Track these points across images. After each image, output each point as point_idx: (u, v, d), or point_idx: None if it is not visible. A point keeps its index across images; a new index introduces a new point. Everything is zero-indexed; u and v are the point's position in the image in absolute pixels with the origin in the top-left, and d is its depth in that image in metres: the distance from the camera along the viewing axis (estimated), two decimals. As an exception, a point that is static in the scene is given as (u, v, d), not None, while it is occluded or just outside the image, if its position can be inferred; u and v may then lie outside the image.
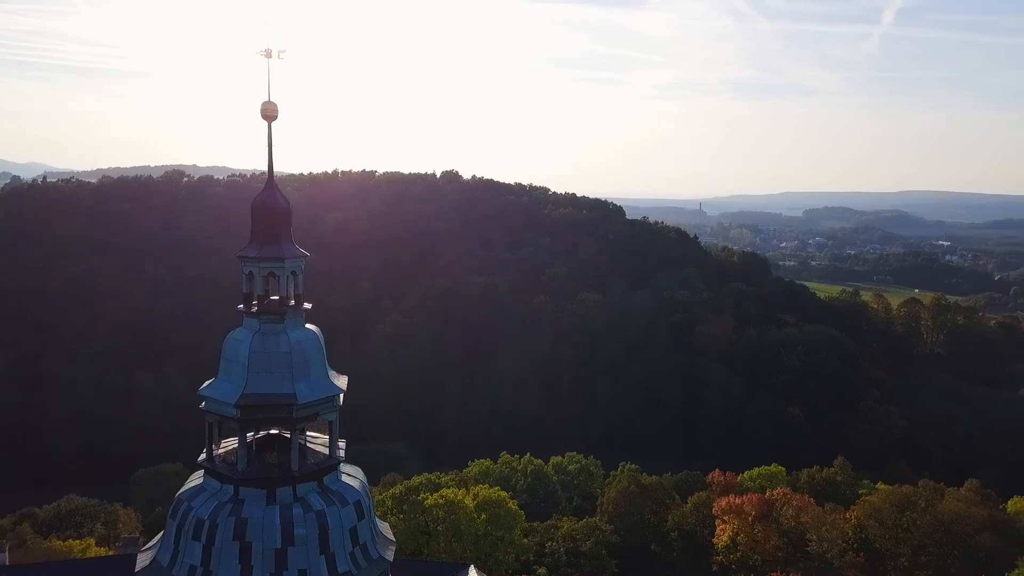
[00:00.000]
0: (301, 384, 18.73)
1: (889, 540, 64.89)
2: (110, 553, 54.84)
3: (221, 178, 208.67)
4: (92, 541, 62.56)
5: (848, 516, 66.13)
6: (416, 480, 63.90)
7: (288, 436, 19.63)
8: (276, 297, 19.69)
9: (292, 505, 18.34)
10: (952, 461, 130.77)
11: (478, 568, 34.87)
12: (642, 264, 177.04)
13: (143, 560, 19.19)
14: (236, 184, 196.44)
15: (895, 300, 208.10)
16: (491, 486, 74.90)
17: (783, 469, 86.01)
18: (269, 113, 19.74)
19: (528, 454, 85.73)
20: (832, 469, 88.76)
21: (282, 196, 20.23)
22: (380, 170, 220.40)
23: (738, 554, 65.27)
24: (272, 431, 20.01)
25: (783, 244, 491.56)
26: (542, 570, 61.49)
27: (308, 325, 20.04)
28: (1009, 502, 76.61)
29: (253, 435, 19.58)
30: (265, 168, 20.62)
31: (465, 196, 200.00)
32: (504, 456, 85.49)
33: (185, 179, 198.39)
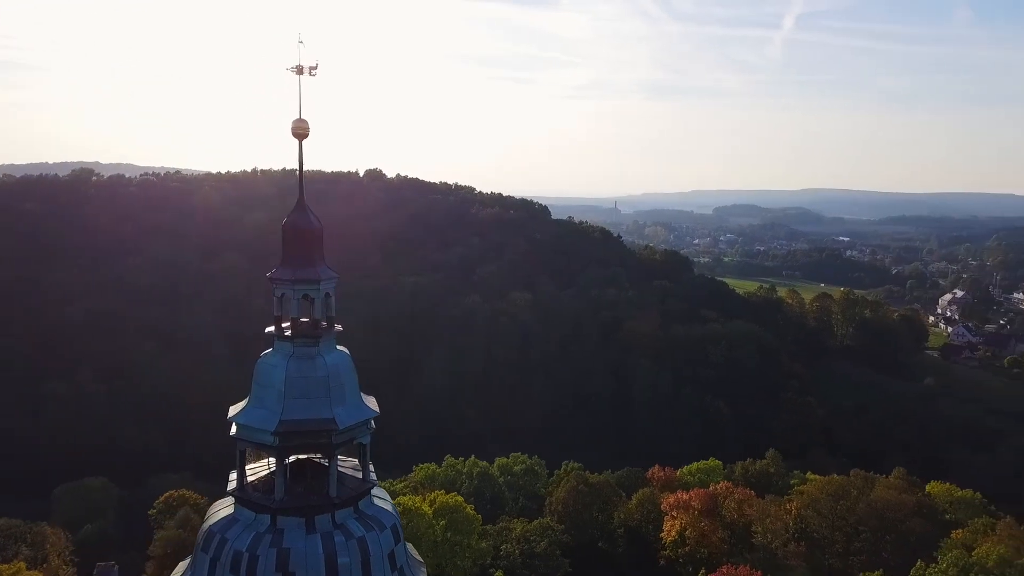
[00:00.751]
0: (339, 408, 18.26)
1: (826, 528, 68.25)
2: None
3: (133, 177, 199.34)
4: (22, 565, 58.94)
5: (788, 507, 69.14)
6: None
7: (317, 461, 19.18)
8: (306, 319, 19.12)
9: (333, 533, 17.87)
10: (865, 448, 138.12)
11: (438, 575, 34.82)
12: (569, 263, 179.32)
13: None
14: (150, 183, 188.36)
15: (807, 295, 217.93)
16: (436, 490, 74.82)
17: (720, 463, 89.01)
18: (300, 132, 19.18)
19: (473, 456, 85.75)
20: (765, 461, 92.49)
21: (315, 216, 19.71)
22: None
23: (686, 548, 67.23)
24: (300, 456, 19.45)
25: (696, 241, 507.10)
26: (499, 573, 61.74)
27: (339, 347, 19.58)
28: (927, 486, 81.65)
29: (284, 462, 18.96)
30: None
31: (390, 195, 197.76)
32: (448, 459, 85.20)
33: (95, 178, 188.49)
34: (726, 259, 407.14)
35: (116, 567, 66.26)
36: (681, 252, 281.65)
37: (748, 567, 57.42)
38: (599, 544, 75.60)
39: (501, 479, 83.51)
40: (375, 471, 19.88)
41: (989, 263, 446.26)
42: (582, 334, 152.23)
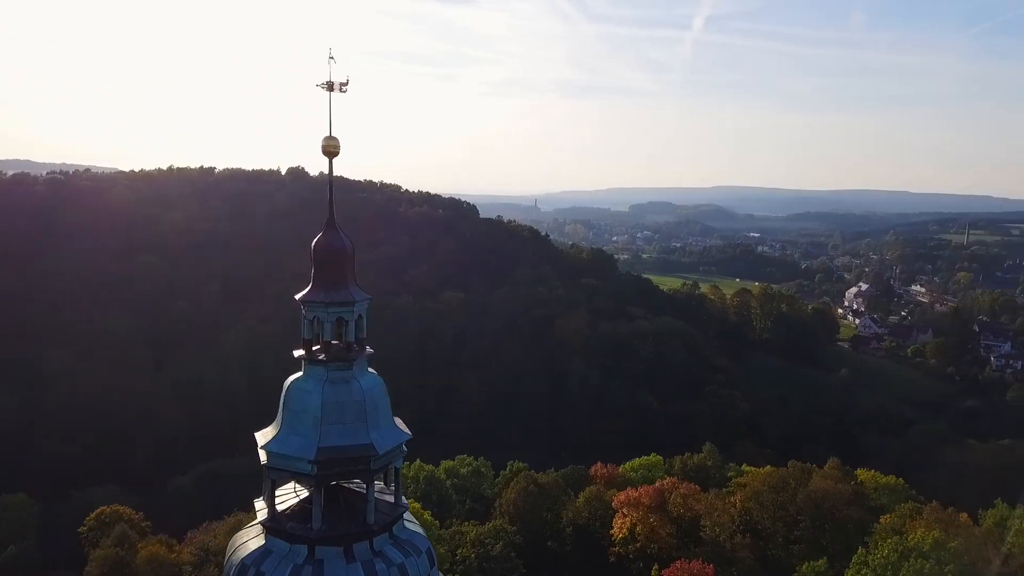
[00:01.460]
0: (375, 433, 17.77)
1: (768, 519, 70.77)
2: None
3: (39, 175, 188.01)
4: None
5: (733, 500, 71.37)
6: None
7: (348, 486, 18.66)
8: (336, 341, 18.53)
9: (374, 561, 17.39)
10: (788, 438, 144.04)
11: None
12: (499, 262, 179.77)
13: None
14: (58, 182, 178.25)
15: (727, 290, 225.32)
16: None
17: (660, 459, 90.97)
18: (331, 150, 18.60)
19: (418, 460, 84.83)
20: (702, 455, 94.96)
21: (347, 237, 19.11)
22: (219, 167, 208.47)
23: (637, 545, 68.47)
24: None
25: (615, 238, 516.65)
26: (455, 579, 61.41)
27: (370, 369, 19.08)
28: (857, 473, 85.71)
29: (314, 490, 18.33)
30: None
31: (315, 194, 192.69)
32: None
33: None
34: (645, 256, 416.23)
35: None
36: (594, 248, 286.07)
37: (700, 561, 58.92)
38: (548, 544, 76.07)
39: (448, 482, 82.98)
40: None
41: (888, 257, 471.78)
42: (515, 333, 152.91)
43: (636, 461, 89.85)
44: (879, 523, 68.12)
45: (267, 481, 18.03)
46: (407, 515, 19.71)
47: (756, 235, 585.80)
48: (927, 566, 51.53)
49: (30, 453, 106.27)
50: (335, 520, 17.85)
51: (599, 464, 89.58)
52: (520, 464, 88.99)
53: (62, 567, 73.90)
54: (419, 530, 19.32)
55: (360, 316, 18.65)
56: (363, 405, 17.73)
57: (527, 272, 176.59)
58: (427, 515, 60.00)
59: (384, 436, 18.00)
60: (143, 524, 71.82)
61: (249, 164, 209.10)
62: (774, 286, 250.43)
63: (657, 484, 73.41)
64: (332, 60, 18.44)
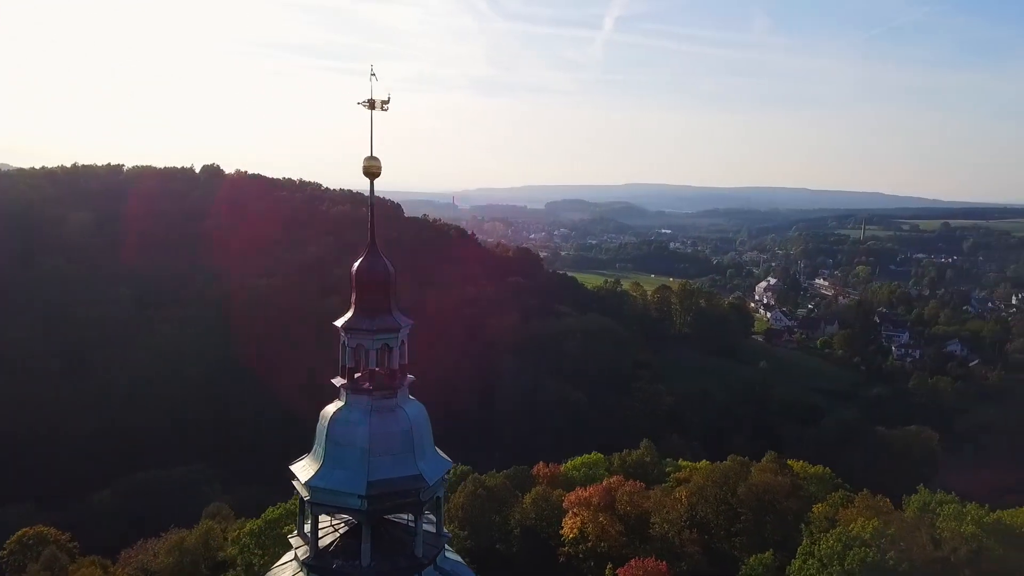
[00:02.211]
0: (422, 463, 17.20)
1: (712, 513, 72.75)
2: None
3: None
4: None
5: (679, 496, 72.99)
6: (275, 512, 59.49)
7: (388, 518, 17.99)
8: (374, 368, 17.80)
9: (424, 595, 16.88)
10: (711, 429, 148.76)
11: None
12: (427, 261, 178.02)
13: None
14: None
15: (647, 287, 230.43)
16: None
17: (602, 456, 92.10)
18: (372, 171, 17.85)
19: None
20: (640, 451, 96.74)
21: (388, 261, 18.39)
22: (128, 164, 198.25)
23: (588, 544, 69.12)
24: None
25: (532, 236, 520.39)
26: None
27: (410, 396, 18.44)
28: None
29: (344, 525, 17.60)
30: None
31: (232, 192, 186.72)
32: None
33: None
34: (563, 253, 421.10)
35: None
36: (520, 247, 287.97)
37: (654, 558, 60.01)
38: (497, 546, 75.94)
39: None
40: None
41: (792, 252, 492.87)
42: (447, 333, 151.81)
43: (578, 460, 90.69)
44: (813, 512, 71.09)
45: (309, 517, 17.17)
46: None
47: (668, 231, 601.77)
48: (870, 554, 53.95)
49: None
50: (381, 555, 17.18)
51: (541, 464, 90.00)
52: (464, 467, 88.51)
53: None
54: (458, 558, 18.88)
55: (403, 342, 17.96)
56: (410, 435, 17.14)
57: (456, 271, 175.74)
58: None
59: (431, 465, 17.45)
60: (71, 545, 67.73)
61: (159, 162, 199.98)
62: (695, 283, 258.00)
63: (604, 483, 74.23)
64: (374, 77, 17.74)
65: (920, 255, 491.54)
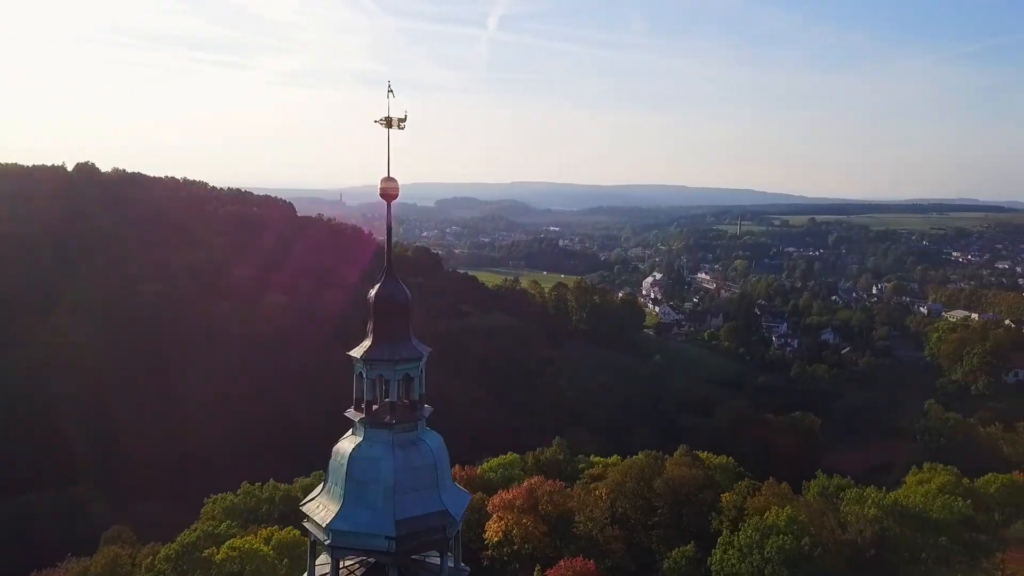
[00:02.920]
0: (446, 497, 16.55)
1: (631, 509, 74.46)
2: None
3: None
4: None
5: (600, 494, 74.22)
6: (192, 535, 56.17)
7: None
8: (395, 400, 16.96)
9: (450, 634, 16.26)
10: (613, 423, 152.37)
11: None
12: (324, 262, 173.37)
13: None
14: None
15: (543, 284, 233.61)
16: (232, 520, 69.54)
17: (517, 456, 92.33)
18: (390, 192, 16.94)
19: (271, 480, 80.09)
20: (553, 449, 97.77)
21: (405, 286, 17.51)
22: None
23: (513, 547, 69.19)
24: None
25: (424, 233, 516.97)
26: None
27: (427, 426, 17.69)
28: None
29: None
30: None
31: (111, 192, 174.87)
32: (245, 486, 78.59)
33: None
34: (457, 251, 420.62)
35: None
36: (420, 247, 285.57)
37: (582, 557, 60.78)
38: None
39: (307, 501, 78.94)
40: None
41: (675, 247, 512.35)
42: (347, 336, 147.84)
43: (494, 461, 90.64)
44: (722, 502, 74.12)
45: (326, 561, 16.17)
46: (457, 575, 18.62)
47: (556, 229, 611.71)
48: (787, 542, 56.69)
49: None
50: (406, 595, 16.46)
51: (457, 467, 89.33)
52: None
53: None
54: (473, 592, 18.30)
55: (422, 371, 17.20)
56: (434, 469, 16.45)
57: (355, 272, 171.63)
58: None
59: (454, 499, 16.82)
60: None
61: (27, 159, 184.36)
62: (585, 279, 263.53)
63: (526, 484, 74.48)
64: (391, 94, 16.82)
65: (791, 249, 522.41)
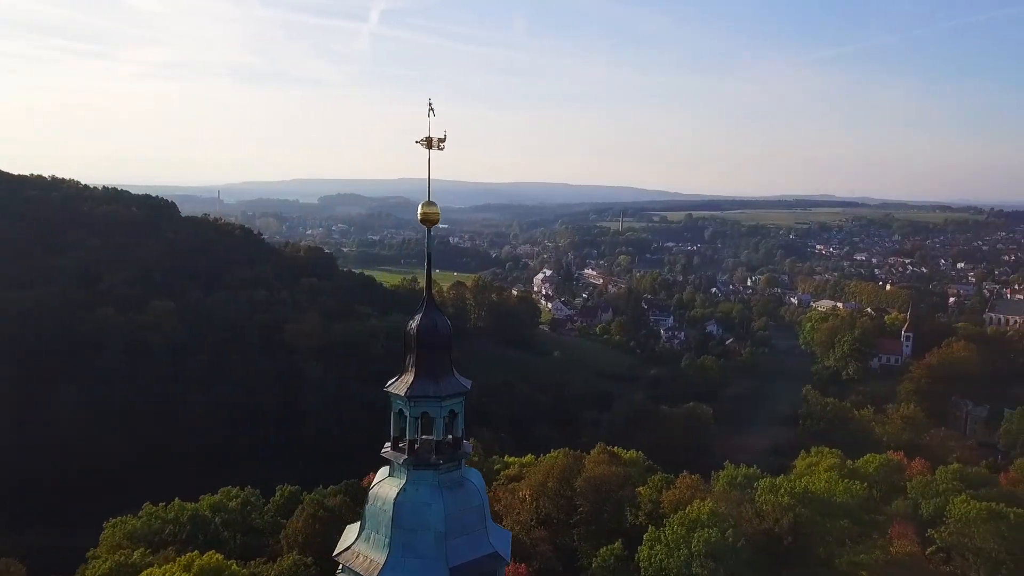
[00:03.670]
0: (493, 537, 15.89)
1: (553, 508, 75.12)
2: None
3: None
4: None
5: (524, 495, 74.37)
6: (101, 566, 52.03)
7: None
8: (437, 438, 16.10)
9: None
10: (516, 420, 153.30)
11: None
12: (212, 265, 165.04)
13: None
14: None
15: (441, 282, 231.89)
16: (137, 546, 65.76)
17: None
18: (432, 219, 15.97)
19: (176, 499, 75.51)
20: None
21: (446, 317, 16.59)
22: None
23: (440, 554, 68.38)
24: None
25: (310, 232, 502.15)
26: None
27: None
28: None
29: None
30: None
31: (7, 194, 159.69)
32: (148, 507, 73.69)
33: None
34: (346, 250, 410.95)
35: None
36: (312, 246, 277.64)
37: (513, 561, 60.74)
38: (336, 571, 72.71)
39: (216, 519, 74.96)
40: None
41: (562, 244, 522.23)
42: (241, 342, 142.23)
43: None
44: (641, 496, 76.05)
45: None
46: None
47: (445, 226, 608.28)
48: (713, 535, 58.71)
49: None
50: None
51: (371, 475, 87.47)
52: (291, 487, 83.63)
53: None
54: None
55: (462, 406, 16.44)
56: (482, 509, 15.74)
57: (244, 274, 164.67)
58: (234, 565, 53.90)
59: (499, 538, 16.25)
60: None
61: None
62: (483, 276, 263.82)
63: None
64: (432, 113, 15.87)
65: (670, 244, 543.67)
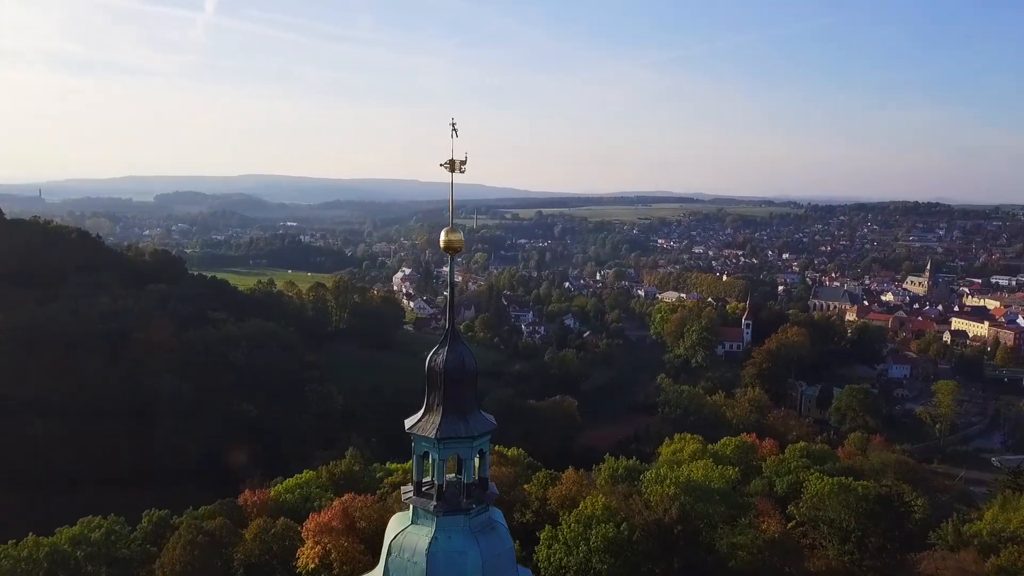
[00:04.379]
0: (518, 579, 15.51)
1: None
2: None
3: None
4: None
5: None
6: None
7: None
8: (466, 480, 15.40)
9: None
10: (389, 424, 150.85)
11: None
12: (43, 272, 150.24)
13: None
14: None
15: (300, 284, 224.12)
16: None
17: (313, 474, 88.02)
18: (455, 246, 15.22)
19: (31, 534, 68.38)
20: (347, 460, 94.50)
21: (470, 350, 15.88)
22: None
23: (333, 572, 65.99)
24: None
25: (147, 232, 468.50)
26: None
27: (482, 503, 16.32)
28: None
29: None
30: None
31: None
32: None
33: None
34: (189, 251, 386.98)
35: None
36: (159, 249, 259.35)
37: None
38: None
39: (78, 553, 68.50)
40: None
41: (418, 242, 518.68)
42: (83, 354, 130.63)
43: (290, 481, 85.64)
44: (527, 494, 77.12)
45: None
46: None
47: (294, 224, 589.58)
48: (610, 530, 60.50)
49: None
50: None
51: (248, 492, 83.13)
52: (159, 512, 77.86)
53: None
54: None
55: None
56: (511, 553, 15.26)
57: (82, 281, 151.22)
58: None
59: (524, 579, 15.82)
60: None
61: None
62: (343, 276, 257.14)
63: (338, 503, 71.41)
64: (455, 134, 15.20)
65: (523, 241, 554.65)
